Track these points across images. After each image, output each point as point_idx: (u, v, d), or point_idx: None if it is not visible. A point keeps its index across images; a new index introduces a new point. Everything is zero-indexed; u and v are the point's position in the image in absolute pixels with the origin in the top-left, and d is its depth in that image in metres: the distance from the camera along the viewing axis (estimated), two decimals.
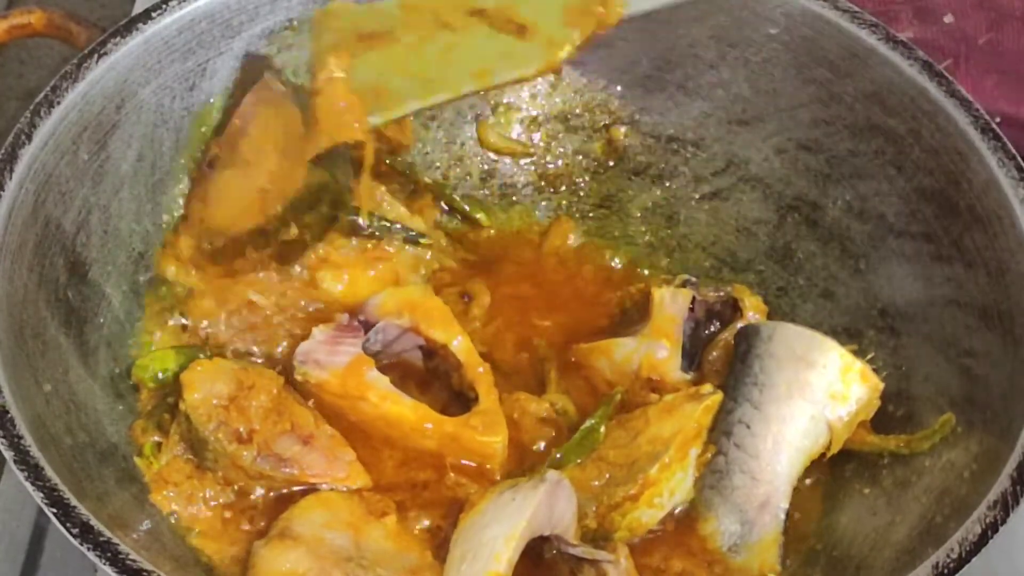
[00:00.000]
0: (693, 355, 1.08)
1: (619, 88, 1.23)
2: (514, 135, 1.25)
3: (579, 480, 0.98)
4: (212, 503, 0.98)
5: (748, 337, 1.04)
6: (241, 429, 0.97)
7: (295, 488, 0.98)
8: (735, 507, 0.99)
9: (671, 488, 0.98)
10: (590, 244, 1.23)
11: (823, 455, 1.01)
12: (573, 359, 1.11)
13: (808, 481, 1.03)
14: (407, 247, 1.14)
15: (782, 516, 0.99)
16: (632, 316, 1.13)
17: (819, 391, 1.00)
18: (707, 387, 1.02)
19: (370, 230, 1.11)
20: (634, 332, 1.09)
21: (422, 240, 1.14)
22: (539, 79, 1.23)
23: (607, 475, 0.98)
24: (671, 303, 1.08)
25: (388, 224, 1.13)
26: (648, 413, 1.01)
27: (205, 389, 0.98)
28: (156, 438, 1.00)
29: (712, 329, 1.10)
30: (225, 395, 0.98)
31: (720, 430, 1.01)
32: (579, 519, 0.95)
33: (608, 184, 1.24)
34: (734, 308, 1.10)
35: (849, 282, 1.13)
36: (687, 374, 1.07)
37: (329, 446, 0.99)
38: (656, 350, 1.06)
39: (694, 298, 1.09)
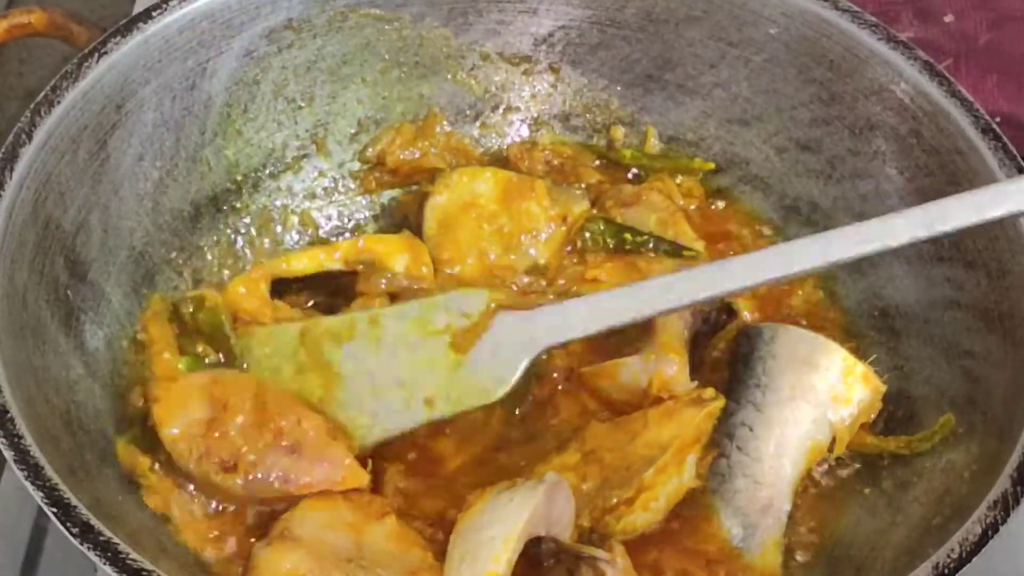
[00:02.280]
0: (692, 362, 1.07)
1: (619, 88, 1.23)
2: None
3: (575, 482, 0.97)
4: (211, 508, 0.97)
5: (750, 339, 1.04)
6: (225, 458, 0.95)
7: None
8: (737, 510, 0.99)
9: (667, 493, 0.98)
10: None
11: (825, 458, 1.01)
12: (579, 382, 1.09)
13: (808, 483, 1.03)
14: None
15: (784, 519, 0.99)
16: (629, 333, 1.08)
17: (822, 393, 0.99)
18: (709, 392, 1.01)
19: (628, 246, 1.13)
20: (636, 350, 1.06)
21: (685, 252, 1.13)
22: (539, 78, 1.24)
23: (602, 478, 0.98)
24: (675, 317, 1.05)
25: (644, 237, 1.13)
26: (647, 416, 1.00)
27: (180, 419, 0.96)
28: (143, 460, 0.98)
29: (707, 328, 1.09)
30: (203, 421, 0.96)
31: (722, 432, 1.01)
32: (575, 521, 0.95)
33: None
34: (728, 312, 1.10)
35: (849, 282, 1.13)
36: (693, 383, 1.05)
37: (317, 447, 0.96)
38: (665, 367, 1.03)
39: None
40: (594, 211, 1.16)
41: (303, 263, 1.11)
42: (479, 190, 1.15)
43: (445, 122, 1.22)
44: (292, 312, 1.09)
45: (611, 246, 1.13)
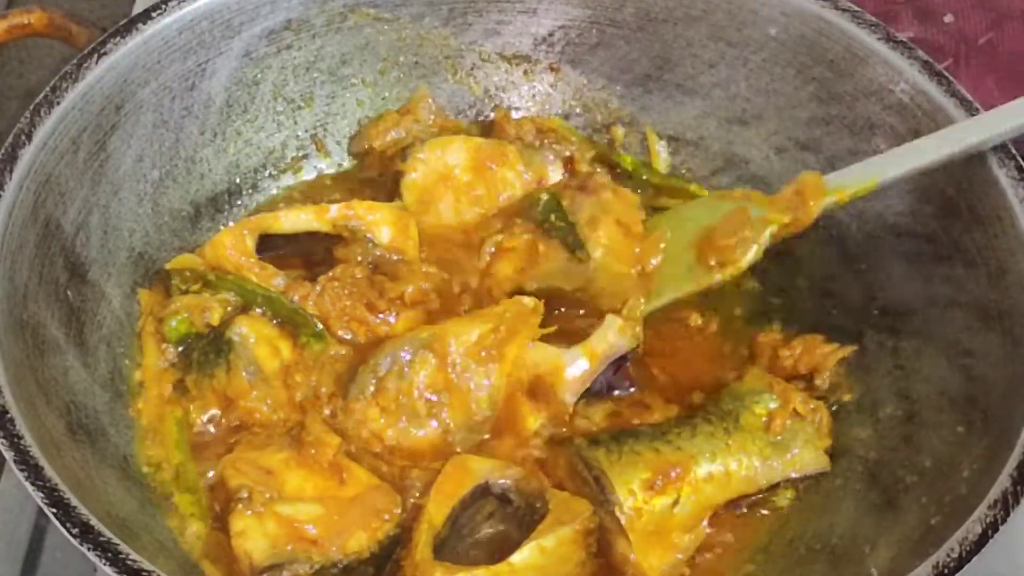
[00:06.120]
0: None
1: (619, 88, 1.23)
2: None
3: None
4: None
5: None
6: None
7: None
8: None
9: None
10: None
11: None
12: None
13: (807, 481, 1.03)
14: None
15: None
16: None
17: None
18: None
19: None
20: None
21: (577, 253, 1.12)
22: (538, 78, 1.24)
23: None
24: (615, 335, 1.03)
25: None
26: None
27: None
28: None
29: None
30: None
31: None
32: None
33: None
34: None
35: (849, 282, 1.13)
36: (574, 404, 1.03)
37: None
38: (573, 366, 1.02)
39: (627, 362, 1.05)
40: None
41: (291, 220, 1.11)
42: (452, 162, 1.15)
43: (430, 99, 1.21)
44: (276, 271, 1.09)
45: (539, 220, 1.12)
